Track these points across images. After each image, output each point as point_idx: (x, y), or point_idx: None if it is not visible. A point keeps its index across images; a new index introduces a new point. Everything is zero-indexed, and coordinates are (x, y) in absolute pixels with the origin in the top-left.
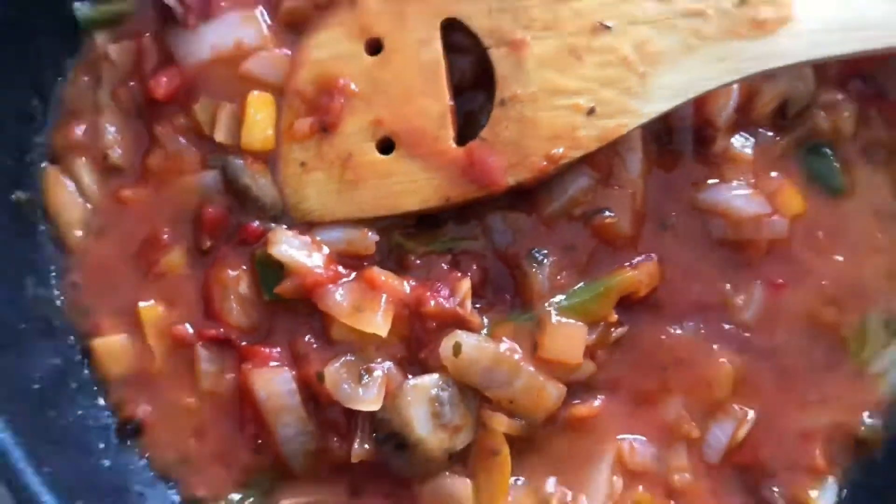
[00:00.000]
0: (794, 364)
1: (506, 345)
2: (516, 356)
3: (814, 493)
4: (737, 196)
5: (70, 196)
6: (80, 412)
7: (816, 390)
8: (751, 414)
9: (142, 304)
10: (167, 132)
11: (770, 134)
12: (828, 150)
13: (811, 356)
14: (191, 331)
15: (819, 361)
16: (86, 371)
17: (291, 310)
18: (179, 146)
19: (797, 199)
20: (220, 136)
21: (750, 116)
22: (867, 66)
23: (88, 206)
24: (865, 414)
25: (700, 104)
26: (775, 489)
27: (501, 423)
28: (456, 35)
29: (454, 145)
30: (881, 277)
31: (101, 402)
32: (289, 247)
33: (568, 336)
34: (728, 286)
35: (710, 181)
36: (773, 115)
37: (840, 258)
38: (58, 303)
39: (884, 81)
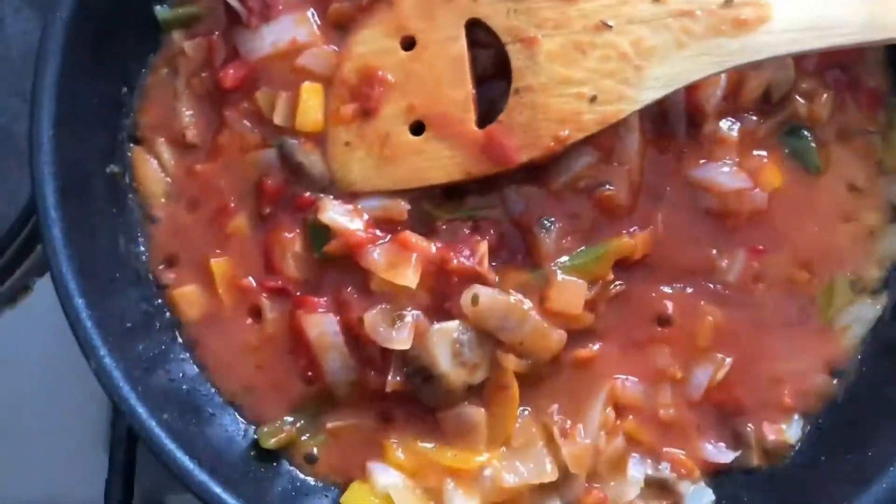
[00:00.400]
0: (769, 319)
1: (516, 296)
2: (525, 306)
3: (781, 427)
4: (722, 172)
5: (153, 171)
6: (163, 347)
7: (788, 342)
8: (728, 360)
9: (213, 259)
10: (234, 115)
11: (754, 118)
12: (806, 133)
13: (785, 313)
14: (254, 283)
15: (791, 317)
16: (167, 314)
17: (337, 266)
18: (244, 128)
19: (776, 175)
20: (278, 119)
21: (737, 102)
22: (843, 58)
23: (168, 179)
24: (827, 368)
25: (691, 92)
26: (748, 424)
27: (512, 363)
28: (478, 33)
29: (475, 128)
30: (849, 243)
31: (180, 339)
32: (334, 213)
33: (571, 291)
34: (714, 251)
35: (699, 160)
36: (758, 101)
37: (813, 227)
38: (143, 258)
39: (858, 71)
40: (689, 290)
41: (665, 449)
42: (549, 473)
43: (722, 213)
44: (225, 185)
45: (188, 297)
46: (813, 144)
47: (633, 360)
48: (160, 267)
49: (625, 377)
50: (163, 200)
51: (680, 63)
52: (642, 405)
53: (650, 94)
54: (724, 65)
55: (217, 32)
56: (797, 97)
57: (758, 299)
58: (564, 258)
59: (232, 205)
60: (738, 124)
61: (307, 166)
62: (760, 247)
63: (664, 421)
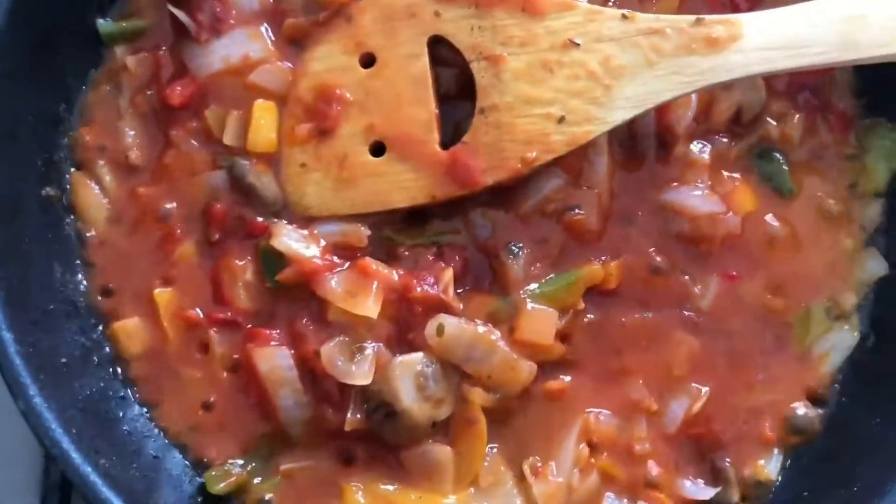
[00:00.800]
0: (745, 347)
1: (484, 327)
2: (493, 336)
3: (761, 463)
4: (694, 196)
5: (93, 194)
6: (101, 384)
7: (765, 371)
8: (705, 390)
9: (157, 290)
10: (181, 135)
11: (725, 140)
12: (778, 155)
13: (761, 340)
14: (201, 315)
15: (768, 345)
16: (107, 349)
17: (291, 296)
18: (191, 148)
19: (749, 199)
20: (229, 139)
21: (707, 124)
22: (814, 80)
23: (108, 203)
24: (805, 397)
25: (661, 113)
26: (727, 459)
27: (479, 396)
28: (442, 50)
29: (439, 149)
30: (823, 270)
31: (121, 376)
32: (289, 239)
33: (541, 320)
34: (686, 277)
35: (671, 183)
36: (729, 123)
37: (787, 252)
38: (81, 287)
39: (829, 94)
40: (663, 318)
41: (642, 486)
42: None
43: (694, 237)
44: (170, 210)
45: (130, 330)
46: (785, 167)
47: (607, 393)
48: (99, 298)
49: (598, 411)
50: (103, 226)
51: (650, 82)
52: (617, 440)
53: (620, 114)
54: (696, 84)
55: (164, 47)
56: (768, 119)
57: (733, 327)
58: (533, 285)
59: (178, 231)
60: (710, 146)
61: (259, 189)
62: (734, 272)
63: (639, 456)
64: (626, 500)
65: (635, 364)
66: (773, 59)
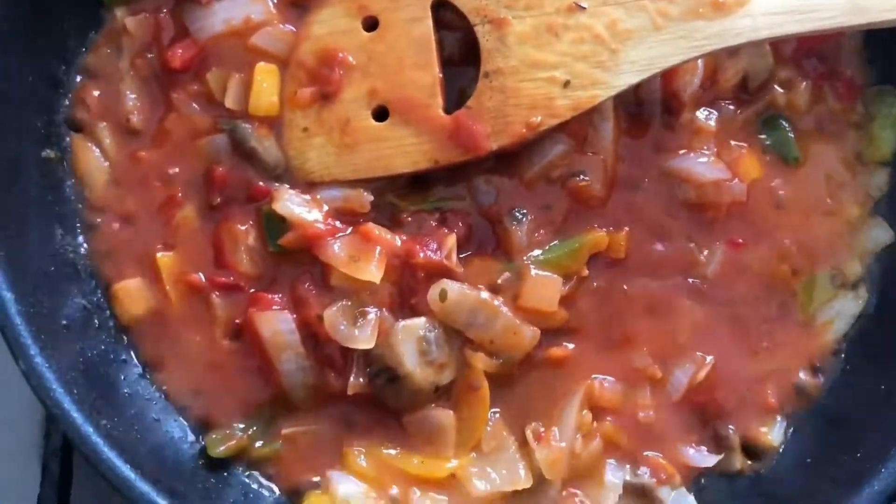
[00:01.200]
0: (749, 315)
1: (487, 293)
2: (496, 302)
3: (763, 430)
4: (700, 163)
5: (94, 158)
6: (102, 347)
7: (769, 338)
8: (709, 359)
9: (159, 254)
10: (182, 98)
11: (731, 107)
12: (784, 123)
13: (765, 308)
14: (203, 279)
15: (772, 313)
16: (107, 312)
17: (294, 260)
18: (193, 111)
19: (755, 166)
20: (230, 102)
21: (713, 90)
22: (821, 47)
23: (109, 166)
24: (809, 364)
25: (667, 79)
26: (730, 426)
27: (482, 361)
28: (445, 14)
29: (442, 113)
30: (830, 236)
31: (122, 339)
32: (291, 203)
33: (545, 287)
34: (692, 244)
35: (677, 150)
36: (735, 90)
37: (793, 220)
38: (82, 250)
39: (837, 60)
40: (668, 284)
41: (645, 453)
42: (523, 480)
43: (700, 204)
44: (171, 174)
45: (132, 292)
46: (791, 135)
47: (611, 360)
48: (100, 261)
49: (602, 377)
50: (104, 190)
51: (657, 47)
52: (620, 407)
53: (626, 78)
54: (703, 49)
55: (165, 9)
56: (775, 86)
57: (737, 294)
58: (537, 252)
59: (179, 195)
60: (716, 113)
61: (261, 153)
62: (740, 240)
63: (643, 423)
64: (628, 467)
65: (639, 331)
66: (782, 24)
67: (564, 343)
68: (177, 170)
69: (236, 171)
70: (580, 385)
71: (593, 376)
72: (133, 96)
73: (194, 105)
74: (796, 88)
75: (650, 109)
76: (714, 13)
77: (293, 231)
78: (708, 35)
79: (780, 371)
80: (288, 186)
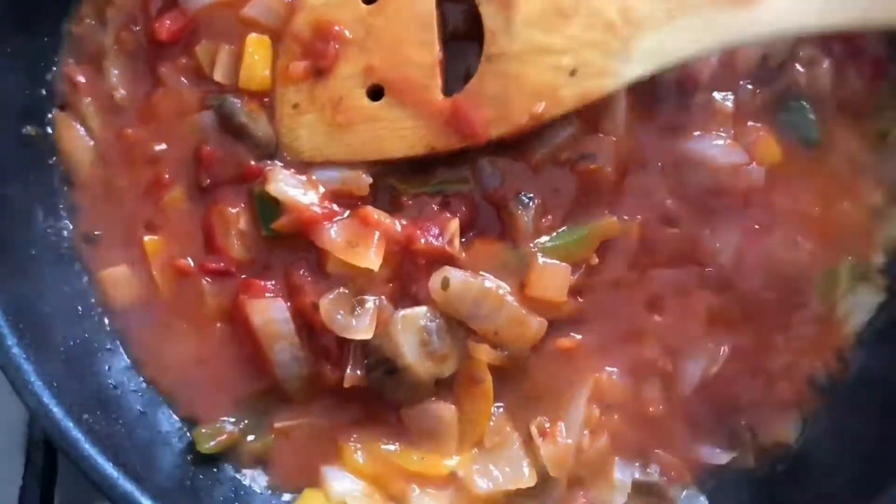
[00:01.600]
0: (765, 306)
1: (492, 280)
2: (501, 291)
3: (779, 425)
4: (716, 146)
5: (78, 136)
6: (86, 335)
7: (785, 330)
8: (723, 350)
9: (146, 237)
10: (170, 72)
11: (750, 87)
12: (805, 104)
13: (782, 299)
14: (192, 263)
15: (789, 304)
16: (92, 298)
17: (288, 245)
18: (181, 86)
19: (774, 150)
20: (219, 75)
21: (731, 70)
22: None
23: (94, 144)
24: (827, 358)
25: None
26: (743, 421)
27: (485, 353)
28: None
29: (441, 96)
30: (850, 225)
31: (108, 327)
32: (285, 185)
33: (553, 275)
34: (707, 231)
35: (691, 132)
36: (754, 69)
37: (812, 206)
38: (65, 233)
39: (861, 39)
40: (680, 274)
41: (655, 450)
42: (527, 478)
43: (716, 190)
44: (159, 153)
45: (117, 278)
46: (812, 116)
47: (620, 351)
48: (84, 244)
49: (610, 370)
50: (88, 169)
51: (672, 37)
52: (629, 401)
53: (636, 69)
54: (721, 41)
55: None
56: (796, 65)
57: (753, 284)
58: (544, 238)
59: (167, 175)
60: (733, 95)
61: (251, 129)
62: (756, 226)
63: (653, 418)
64: (637, 465)
65: (650, 323)
66: (807, 16)
67: (572, 333)
68: (164, 147)
69: (226, 149)
70: (588, 378)
71: (601, 369)
72: (117, 72)
73: (183, 80)
74: (818, 68)
75: (664, 91)
76: (735, 3)
77: (287, 214)
78: (728, 26)
79: (796, 364)
80: (282, 166)
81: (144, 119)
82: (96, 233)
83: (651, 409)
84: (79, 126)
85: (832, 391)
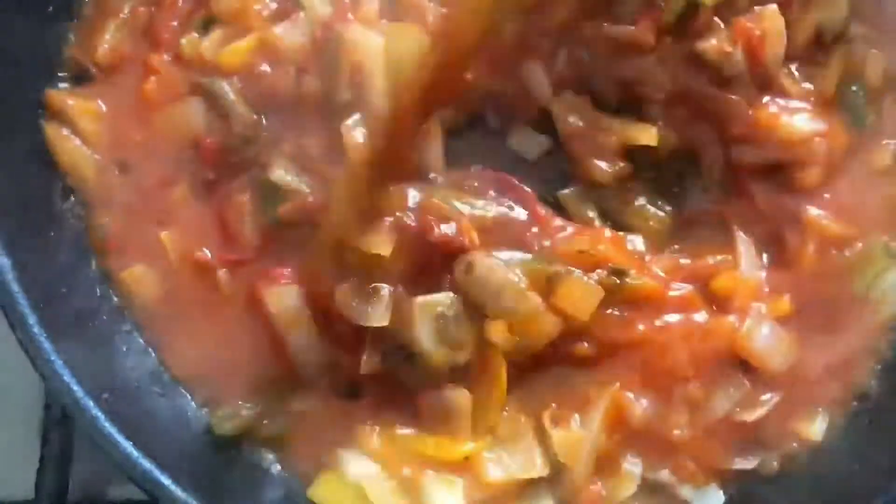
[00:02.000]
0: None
1: (517, 276)
2: (523, 285)
3: (805, 424)
4: (799, 117)
5: (77, 148)
6: (105, 317)
7: (826, 324)
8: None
9: (163, 232)
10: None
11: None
12: (858, 85)
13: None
14: (209, 254)
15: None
16: (110, 282)
17: (301, 232)
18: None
19: (841, 131)
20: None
21: (789, 49)
22: None
23: (95, 155)
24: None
25: (752, 51)
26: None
27: (500, 335)
28: None
29: None
30: (889, 207)
31: (126, 311)
32: (286, 172)
33: (584, 294)
34: None
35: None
36: (810, 45)
37: (846, 182)
38: (82, 213)
39: None
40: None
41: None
42: (539, 468)
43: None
44: (160, 152)
45: (137, 276)
46: (863, 97)
47: (643, 369)
48: (99, 244)
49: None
50: (95, 177)
51: None
52: (651, 423)
53: None
54: None
55: None
56: (850, 45)
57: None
58: None
59: (172, 172)
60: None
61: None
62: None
63: (675, 442)
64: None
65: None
66: None
67: (592, 344)
68: (164, 145)
69: (225, 137)
70: (605, 392)
71: (621, 385)
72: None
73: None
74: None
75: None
76: None
77: (291, 201)
78: None
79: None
80: None
81: (140, 117)
82: (110, 227)
83: (676, 432)
84: (74, 138)
85: (865, 384)
